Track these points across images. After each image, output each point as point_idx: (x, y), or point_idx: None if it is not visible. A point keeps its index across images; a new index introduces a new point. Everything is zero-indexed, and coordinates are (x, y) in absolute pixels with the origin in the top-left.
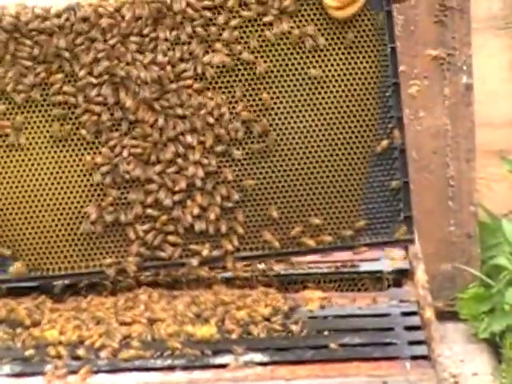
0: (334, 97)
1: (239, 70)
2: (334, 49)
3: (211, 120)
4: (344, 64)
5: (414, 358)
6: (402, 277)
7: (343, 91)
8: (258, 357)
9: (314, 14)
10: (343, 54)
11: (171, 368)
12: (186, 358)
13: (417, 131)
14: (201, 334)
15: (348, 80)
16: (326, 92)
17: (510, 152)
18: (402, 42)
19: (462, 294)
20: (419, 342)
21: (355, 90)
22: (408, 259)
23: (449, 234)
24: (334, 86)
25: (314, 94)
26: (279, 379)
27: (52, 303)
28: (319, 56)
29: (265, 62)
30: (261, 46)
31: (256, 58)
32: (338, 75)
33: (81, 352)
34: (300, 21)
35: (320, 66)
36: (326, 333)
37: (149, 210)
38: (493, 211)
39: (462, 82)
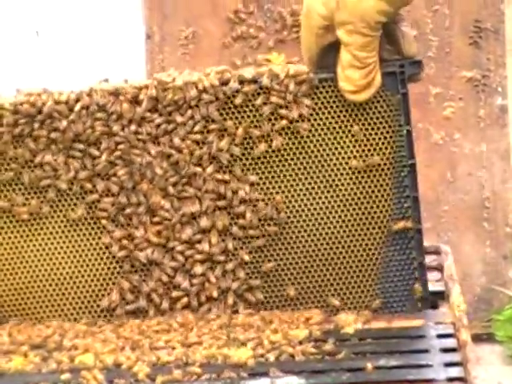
0: (350, 178)
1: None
2: (349, 130)
3: (225, 204)
4: (360, 145)
5: (450, 380)
6: (437, 298)
7: (359, 172)
8: (295, 380)
9: (330, 97)
10: (359, 135)
11: None
12: (223, 381)
13: (452, 153)
14: (237, 356)
15: (364, 161)
16: (342, 172)
17: None
18: (436, 64)
19: (498, 315)
20: (455, 364)
21: (371, 170)
22: (443, 281)
23: (484, 255)
24: (350, 167)
25: (329, 174)
26: None
27: (87, 327)
28: (335, 138)
29: (281, 144)
30: (273, 130)
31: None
32: (354, 156)
33: (117, 376)
34: (316, 103)
35: (336, 148)
36: (361, 355)
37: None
38: None
39: (497, 104)
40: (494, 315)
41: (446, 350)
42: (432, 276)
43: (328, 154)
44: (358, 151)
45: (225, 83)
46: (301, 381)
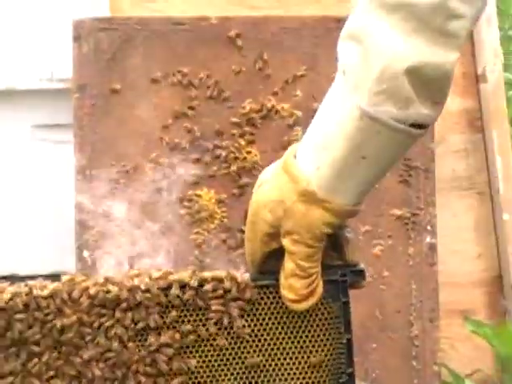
0: (291, 378)
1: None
2: (289, 337)
3: None
4: (299, 353)
5: None
6: None
7: (297, 378)
8: None
9: (271, 303)
10: (298, 342)
11: None
12: None
13: (380, 290)
14: None
15: (303, 368)
16: (279, 379)
17: (473, 312)
18: (366, 202)
19: None
20: None
21: (309, 377)
22: None
23: None
24: (288, 373)
25: (266, 380)
26: None
27: None
28: (274, 344)
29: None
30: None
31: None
32: (293, 363)
33: None
34: (257, 309)
35: (275, 354)
36: None
37: None
38: (456, 371)
39: (426, 242)
40: None
41: None
42: None
43: (267, 360)
44: (297, 358)
45: (166, 288)
46: None
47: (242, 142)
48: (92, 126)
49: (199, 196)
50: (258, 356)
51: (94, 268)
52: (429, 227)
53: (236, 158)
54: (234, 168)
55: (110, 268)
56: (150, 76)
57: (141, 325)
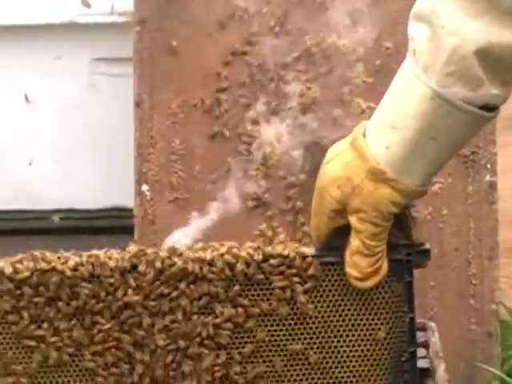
0: (350, 361)
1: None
2: (352, 314)
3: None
4: (361, 330)
5: None
6: (422, 376)
7: (359, 356)
8: None
9: (335, 280)
10: (361, 320)
11: None
12: None
13: (439, 228)
14: None
15: (365, 345)
16: (341, 356)
17: None
18: None
19: None
20: None
21: (371, 354)
22: (429, 358)
23: (469, 332)
24: (350, 351)
25: (328, 357)
26: None
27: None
28: (337, 320)
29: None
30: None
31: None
32: (356, 340)
33: None
34: (321, 286)
35: (338, 331)
36: None
37: None
38: None
39: (486, 180)
40: None
41: None
42: (418, 352)
43: (330, 336)
44: (359, 335)
45: (231, 263)
46: None
47: (302, 78)
48: (151, 59)
49: (259, 132)
50: (320, 332)
51: (151, 202)
52: (488, 165)
53: (296, 94)
54: (293, 104)
55: (168, 204)
56: (210, 11)
57: (205, 298)
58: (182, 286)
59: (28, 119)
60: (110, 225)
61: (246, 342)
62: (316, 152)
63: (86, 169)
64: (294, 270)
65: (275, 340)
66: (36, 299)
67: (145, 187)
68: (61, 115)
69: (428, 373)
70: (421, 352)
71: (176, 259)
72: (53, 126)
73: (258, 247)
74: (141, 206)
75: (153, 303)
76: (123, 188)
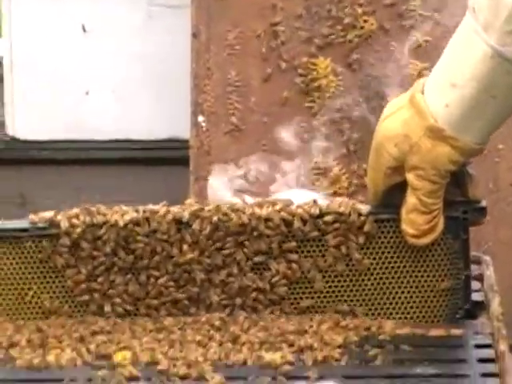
0: (405, 317)
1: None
2: (407, 271)
3: None
4: (417, 287)
5: None
6: (477, 309)
7: (414, 312)
8: None
9: (391, 237)
10: (416, 276)
11: None
12: None
13: (495, 163)
14: (274, 359)
15: (420, 302)
16: (396, 313)
17: None
18: None
19: None
20: (492, 375)
21: (426, 311)
22: (483, 291)
23: None
24: (404, 307)
25: (383, 313)
26: None
27: (126, 324)
28: (393, 277)
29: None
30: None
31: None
32: (410, 297)
33: (154, 374)
34: (377, 243)
35: (393, 287)
36: (399, 362)
37: None
38: None
39: None
40: None
41: (483, 361)
42: (472, 286)
43: (385, 293)
44: (414, 292)
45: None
46: None
47: (360, 11)
48: None
49: (315, 64)
50: (376, 289)
51: (207, 133)
52: None
53: (353, 27)
54: (350, 37)
55: (224, 135)
56: None
57: (260, 254)
58: (238, 241)
59: (85, 50)
60: (166, 156)
61: (300, 298)
62: (370, 86)
63: (143, 100)
64: (349, 227)
65: (330, 296)
66: (91, 253)
67: (201, 118)
68: (118, 46)
69: (482, 306)
70: (475, 285)
71: (233, 215)
72: (110, 56)
73: (314, 203)
74: (196, 137)
75: (208, 259)
76: (179, 119)
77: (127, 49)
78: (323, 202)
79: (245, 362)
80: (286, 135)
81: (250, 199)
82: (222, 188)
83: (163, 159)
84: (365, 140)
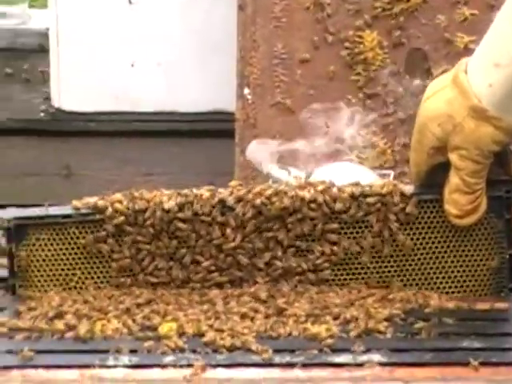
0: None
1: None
2: (451, 251)
3: None
4: (461, 266)
5: None
6: None
7: (458, 292)
8: (377, 357)
9: (434, 217)
10: (460, 256)
11: (290, 365)
12: (305, 356)
13: None
14: (319, 332)
15: (464, 281)
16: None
17: None
18: None
19: None
20: None
21: (470, 290)
22: None
23: None
24: (449, 287)
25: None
26: (397, 380)
27: (171, 296)
28: (436, 257)
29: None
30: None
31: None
32: (455, 276)
33: (200, 346)
34: (420, 223)
35: (437, 268)
36: (444, 336)
37: None
38: None
39: None
40: None
41: None
42: None
43: (429, 273)
44: (458, 271)
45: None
46: (383, 358)
47: None
48: None
49: (361, 37)
50: (420, 269)
51: (253, 106)
52: None
53: (400, 0)
54: (396, 10)
55: (270, 108)
56: None
57: (304, 236)
58: (281, 224)
59: (131, 21)
60: (211, 128)
61: (344, 279)
62: (416, 59)
63: (188, 72)
64: (392, 208)
65: (374, 277)
66: (135, 238)
67: (246, 91)
68: (164, 18)
69: None
70: None
71: (275, 198)
72: (155, 28)
73: (357, 184)
74: (242, 110)
75: (251, 243)
76: (225, 92)
77: (173, 20)
78: (367, 179)
79: (290, 335)
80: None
81: (295, 172)
82: (267, 161)
83: (208, 132)
84: (409, 114)
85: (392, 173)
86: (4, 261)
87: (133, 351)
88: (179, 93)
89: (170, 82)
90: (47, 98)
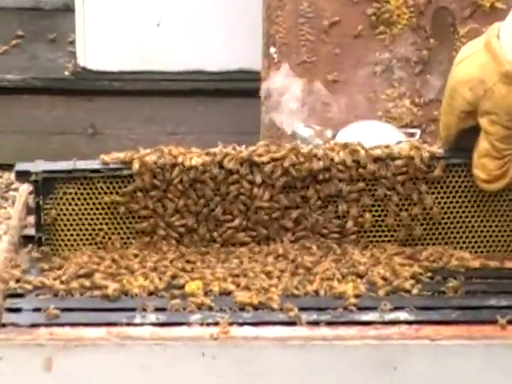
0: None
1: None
2: (478, 216)
3: None
4: (488, 231)
5: None
6: None
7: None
8: (404, 315)
9: (462, 182)
10: (487, 221)
11: (316, 323)
12: (331, 314)
13: None
14: (346, 290)
15: (490, 247)
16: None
17: None
18: None
19: None
20: None
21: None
22: None
23: None
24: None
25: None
26: (424, 339)
27: (198, 254)
28: (463, 222)
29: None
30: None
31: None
32: (481, 241)
33: (226, 304)
34: (448, 187)
35: (464, 232)
36: (471, 294)
37: None
38: None
39: None
40: None
41: None
42: None
43: (455, 237)
44: (485, 236)
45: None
46: (410, 317)
47: None
48: None
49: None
50: (446, 233)
51: (278, 65)
52: None
53: None
54: None
55: (296, 67)
56: None
57: (331, 196)
58: (310, 184)
59: None
60: (237, 87)
61: (371, 241)
62: (442, 18)
63: (213, 31)
64: (420, 171)
65: (401, 239)
66: (163, 195)
67: (272, 49)
68: None
69: None
70: None
71: (303, 159)
72: None
73: (385, 147)
74: (268, 69)
75: (279, 202)
76: (250, 50)
77: None
78: (394, 138)
79: (317, 293)
80: (358, 67)
81: (321, 131)
82: (293, 119)
83: (234, 91)
84: (436, 72)
85: (418, 131)
86: (32, 219)
87: (159, 309)
88: (205, 52)
89: (196, 41)
90: (72, 58)
